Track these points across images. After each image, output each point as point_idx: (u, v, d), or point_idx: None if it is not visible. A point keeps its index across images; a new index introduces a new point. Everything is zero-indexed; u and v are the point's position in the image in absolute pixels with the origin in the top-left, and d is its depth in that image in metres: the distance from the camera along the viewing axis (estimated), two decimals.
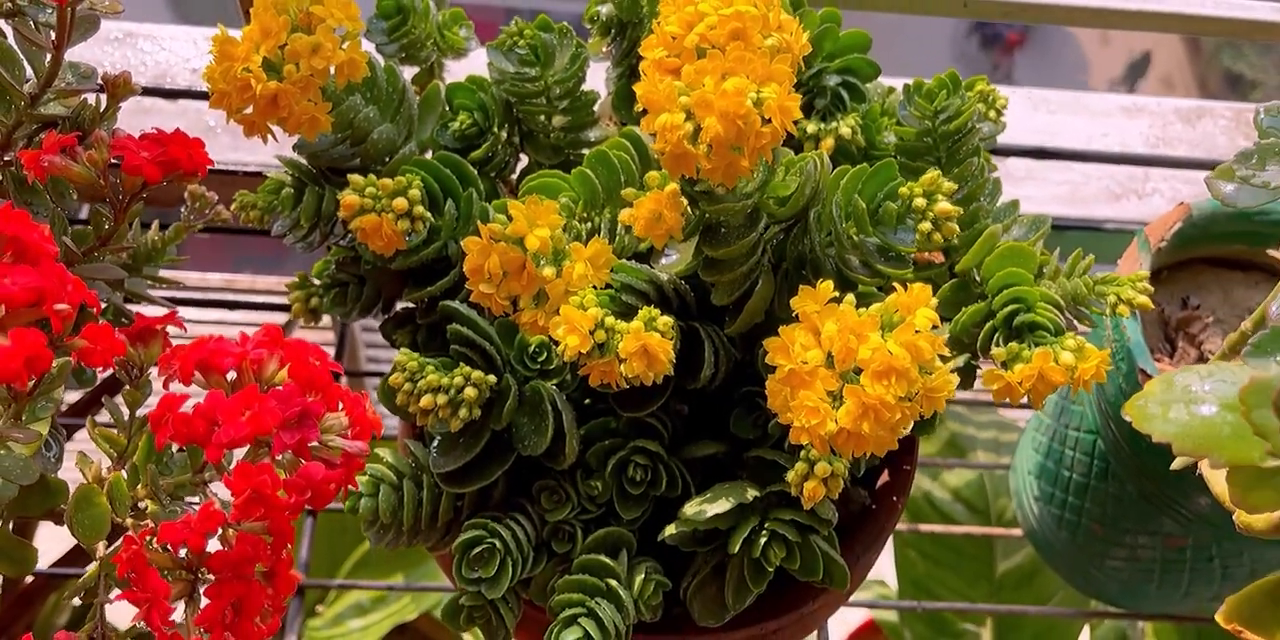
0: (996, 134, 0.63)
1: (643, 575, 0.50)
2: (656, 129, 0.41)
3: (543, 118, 0.57)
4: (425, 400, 0.46)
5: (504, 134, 0.56)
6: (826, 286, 0.44)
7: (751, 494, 0.49)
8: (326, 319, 0.94)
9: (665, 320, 0.45)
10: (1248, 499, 0.41)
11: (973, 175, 0.55)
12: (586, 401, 0.55)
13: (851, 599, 0.89)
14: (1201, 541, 0.66)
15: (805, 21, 0.56)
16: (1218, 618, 0.36)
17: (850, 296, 0.43)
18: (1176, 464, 0.43)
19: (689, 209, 0.46)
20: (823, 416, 0.42)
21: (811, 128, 0.55)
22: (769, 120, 0.41)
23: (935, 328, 0.43)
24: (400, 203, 0.47)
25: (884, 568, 1.13)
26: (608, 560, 0.49)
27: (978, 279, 0.54)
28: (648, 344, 0.44)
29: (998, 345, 0.50)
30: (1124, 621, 1.03)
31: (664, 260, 0.53)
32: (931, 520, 1.05)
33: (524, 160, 0.59)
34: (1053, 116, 0.83)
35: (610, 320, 0.44)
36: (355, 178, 0.48)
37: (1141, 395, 0.36)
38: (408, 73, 0.62)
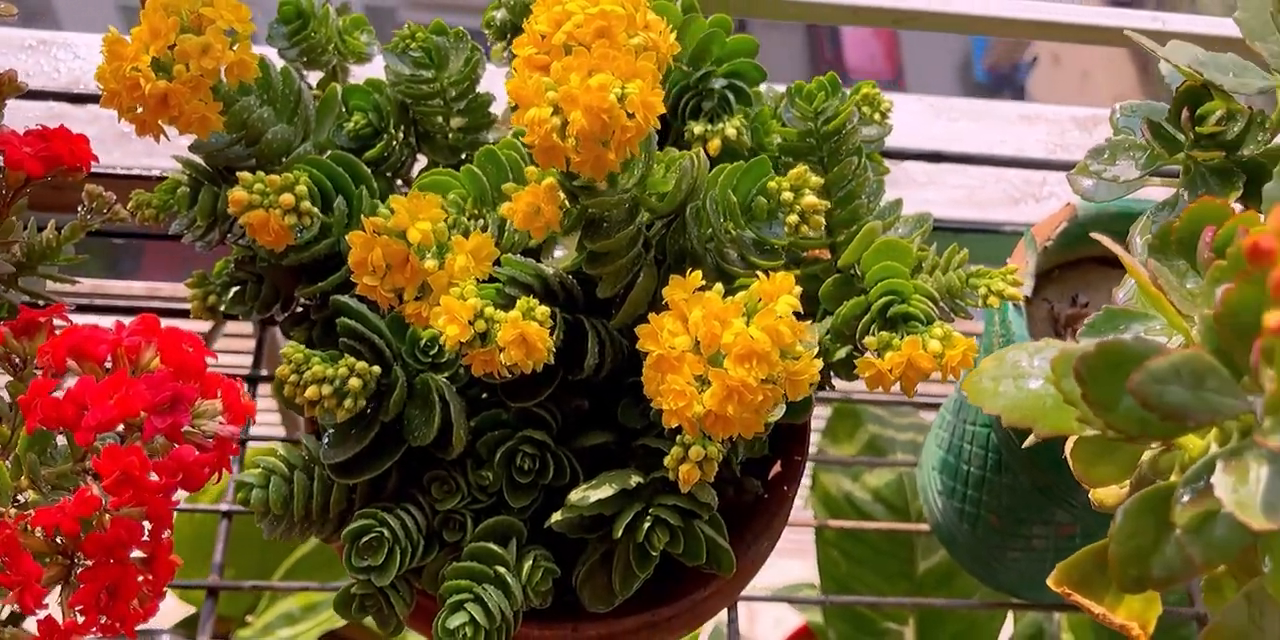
0: (884, 136, 0.65)
1: (530, 562, 0.51)
2: (526, 123, 0.43)
3: (440, 119, 0.59)
4: (310, 391, 0.47)
5: (400, 135, 0.58)
6: (696, 276, 0.45)
7: (635, 480, 0.50)
8: (249, 325, 0.94)
9: (543, 310, 0.46)
10: (1090, 474, 0.43)
11: (853, 174, 0.57)
12: (484, 396, 0.56)
13: (764, 593, 0.90)
14: (1089, 529, 0.69)
15: (693, 27, 0.58)
16: (1049, 582, 0.38)
17: (719, 285, 0.45)
18: (1030, 440, 0.45)
19: (567, 203, 0.48)
20: (689, 399, 0.43)
21: (699, 129, 0.57)
22: (634, 115, 0.42)
23: (799, 314, 0.45)
24: (287, 198, 0.48)
25: (812, 569, 1.15)
26: (496, 548, 0.50)
27: (858, 273, 0.56)
28: (525, 332, 0.45)
29: (872, 335, 0.52)
30: (1041, 616, 1.06)
31: (557, 254, 0.54)
32: (851, 519, 1.07)
33: (423, 161, 0.61)
34: (955, 124, 0.86)
35: (490, 310, 0.46)
36: (244, 174, 0.49)
37: (977, 372, 0.38)
38: (313, 78, 0.64)
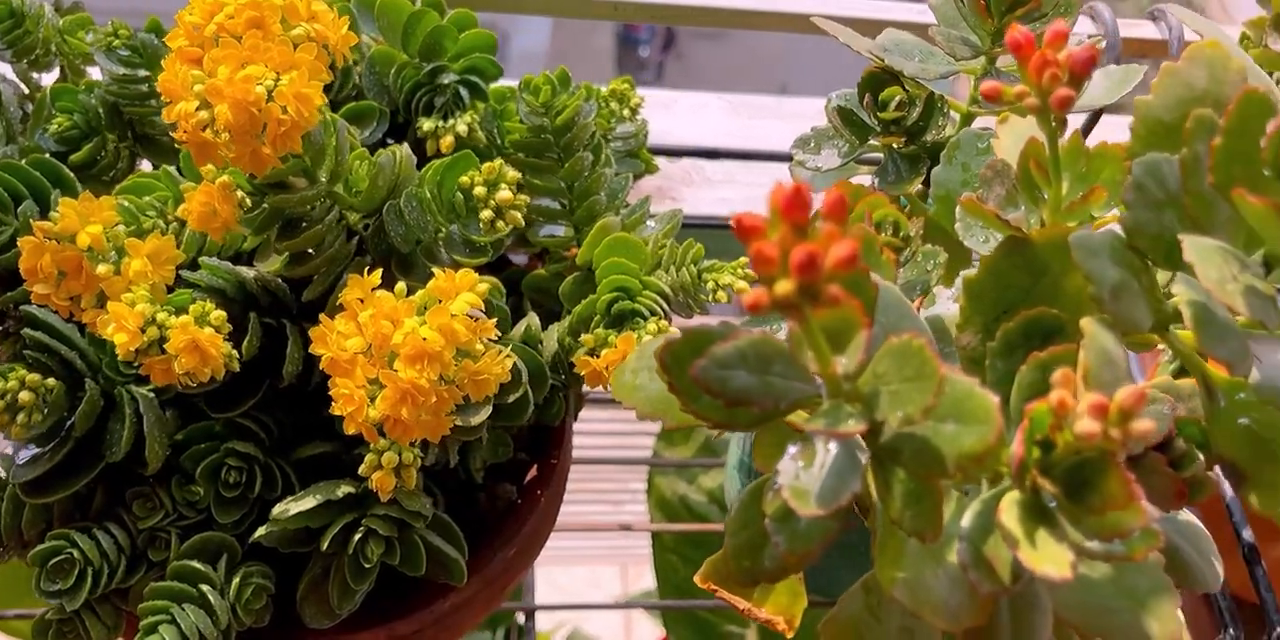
0: (640, 133, 0.64)
1: (239, 579, 0.48)
2: (175, 118, 0.41)
3: (162, 120, 0.56)
4: None
5: (114, 137, 0.55)
6: (375, 275, 0.44)
7: (344, 490, 0.48)
8: None
9: (219, 315, 0.44)
10: (769, 467, 0.42)
11: (588, 170, 0.56)
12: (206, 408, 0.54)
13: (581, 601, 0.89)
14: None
15: (424, 21, 0.57)
16: (696, 579, 0.37)
17: (401, 285, 0.44)
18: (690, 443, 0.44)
19: (248, 201, 0.46)
20: (359, 403, 0.42)
21: (428, 125, 0.55)
22: (288, 108, 0.41)
23: (477, 312, 0.43)
24: None
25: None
26: (199, 566, 0.48)
27: (595, 271, 0.55)
28: (198, 339, 0.43)
29: (590, 332, 0.51)
30: None
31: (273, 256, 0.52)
32: (688, 522, 1.06)
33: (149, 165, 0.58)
34: (752, 120, 0.86)
35: (162, 316, 0.44)
36: None
37: (622, 365, 0.37)
38: (47, 79, 0.61)
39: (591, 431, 1.21)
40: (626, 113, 0.62)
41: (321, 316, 0.43)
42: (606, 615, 1.76)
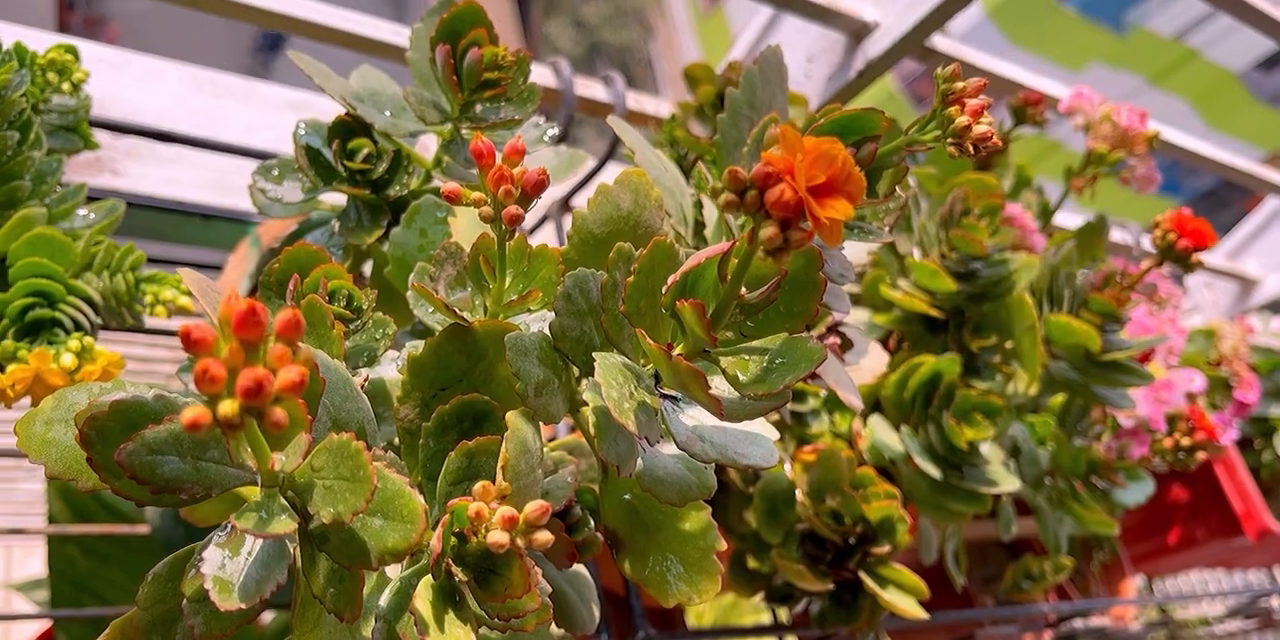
0: (83, 108, 0.58)
1: None
2: None
3: None
4: None
5: None
6: None
7: None
8: None
9: None
10: (194, 514, 0.41)
11: (13, 150, 0.49)
12: None
13: None
14: None
15: None
16: None
17: None
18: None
19: None
20: None
21: None
22: None
23: None
24: None
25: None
26: None
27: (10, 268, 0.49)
28: None
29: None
30: None
31: None
32: (101, 519, 0.98)
33: None
34: (218, 101, 0.81)
35: None
36: None
37: (33, 413, 0.34)
38: None
39: None
40: (66, 87, 0.55)
41: None
42: None
